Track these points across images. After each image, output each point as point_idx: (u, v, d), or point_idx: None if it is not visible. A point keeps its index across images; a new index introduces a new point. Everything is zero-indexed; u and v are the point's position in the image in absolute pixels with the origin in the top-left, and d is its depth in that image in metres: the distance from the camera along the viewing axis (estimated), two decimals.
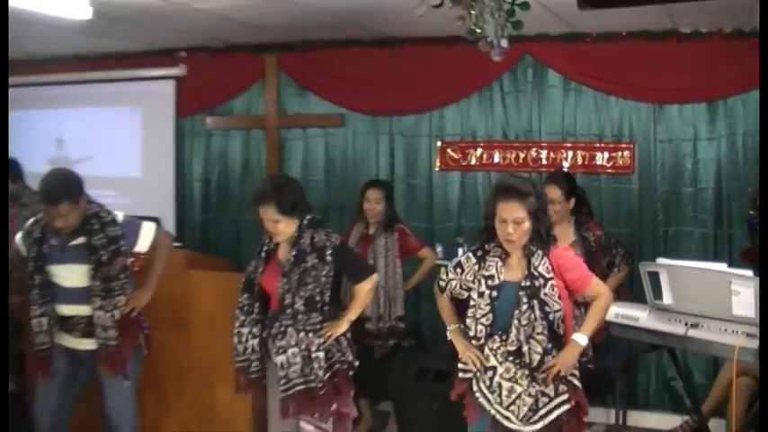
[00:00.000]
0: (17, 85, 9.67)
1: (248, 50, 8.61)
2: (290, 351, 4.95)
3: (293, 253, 4.99)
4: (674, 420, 6.93)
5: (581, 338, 4.51)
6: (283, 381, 4.99)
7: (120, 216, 5.44)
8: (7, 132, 8.44)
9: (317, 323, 4.97)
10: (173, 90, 9.12)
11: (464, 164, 7.99)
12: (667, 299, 5.57)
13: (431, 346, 7.61)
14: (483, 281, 4.58)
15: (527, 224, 4.44)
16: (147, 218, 6.77)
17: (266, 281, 5.12)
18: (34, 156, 9.42)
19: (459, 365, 4.72)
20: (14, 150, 9.72)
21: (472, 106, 7.97)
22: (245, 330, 5.15)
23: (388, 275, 6.82)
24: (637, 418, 7.27)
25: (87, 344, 5.41)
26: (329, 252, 4.99)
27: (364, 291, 5.20)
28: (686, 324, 5.39)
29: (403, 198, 8.16)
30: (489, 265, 4.59)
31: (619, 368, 6.97)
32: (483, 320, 4.55)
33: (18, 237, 5.50)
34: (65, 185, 5.20)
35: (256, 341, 5.13)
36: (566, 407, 4.50)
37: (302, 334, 4.94)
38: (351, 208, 8.12)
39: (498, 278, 4.54)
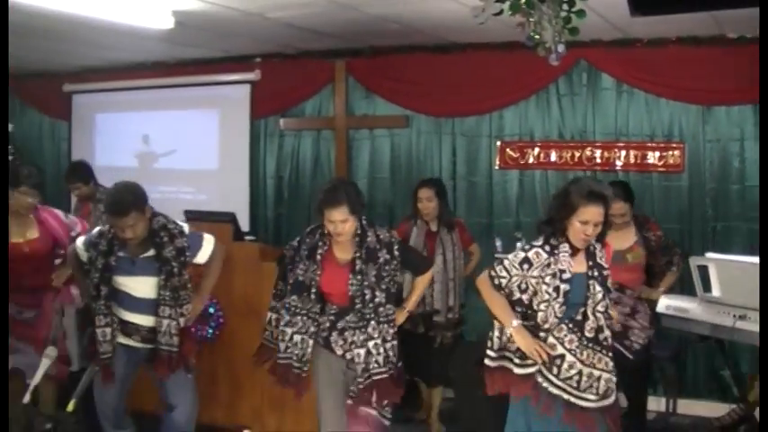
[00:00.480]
0: (105, 90, 10.26)
1: (318, 56, 8.93)
2: (370, 343, 4.99)
3: (363, 251, 5.02)
4: (722, 409, 7.05)
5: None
6: (363, 372, 5.00)
7: (185, 228, 5.57)
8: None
9: (391, 314, 5.08)
10: (248, 94, 9.49)
11: (522, 162, 8.20)
12: (716, 291, 5.75)
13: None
14: (557, 274, 4.68)
15: (601, 225, 4.68)
16: (223, 213, 7.21)
17: (328, 282, 5.10)
18: (124, 152, 9.93)
19: (516, 361, 4.78)
20: (105, 147, 10.30)
21: (530, 108, 8.19)
22: (289, 330, 5.15)
23: (456, 269, 6.97)
24: (686, 406, 7.37)
25: (145, 346, 5.53)
26: (396, 247, 5.09)
27: (423, 283, 5.43)
28: (734, 316, 5.58)
29: (464, 195, 8.45)
30: (562, 260, 4.69)
31: (669, 358, 7.09)
32: (558, 312, 4.67)
33: (80, 241, 5.64)
34: (131, 197, 5.26)
35: (304, 338, 5.13)
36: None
37: (382, 326, 5.02)
38: (413, 205, 8.47)
39: (569, 271, 4.67)
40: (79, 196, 8.06)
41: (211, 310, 6.72)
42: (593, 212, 4.62)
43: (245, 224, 8.64)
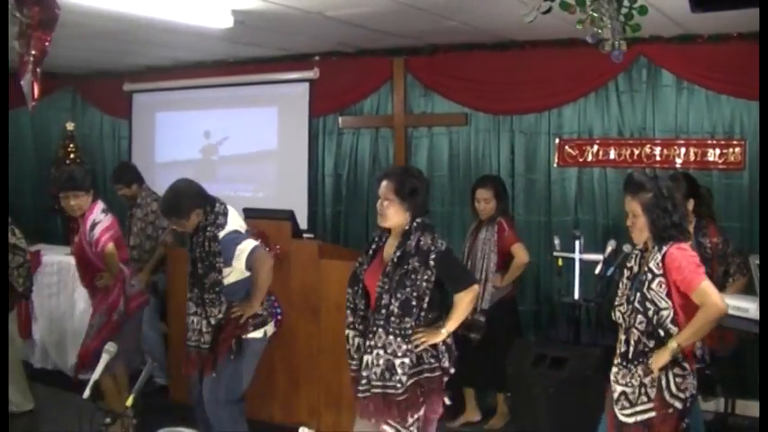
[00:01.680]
0: (165, 89, 10.46)
1: (377, 54, 9.10)
2: (374, 352, 4.77)
3: (398, 253, 4.80)
4: None
5: (671, 344, 4.38)
6: (364, 381, 4.80)
7: (223, 232, 5.67)
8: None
9: (407, 328, 4.74)
10: (307, 92, 9.68)
11: (581, 160, 8.25)
12: None
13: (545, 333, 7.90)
14: (626, 272, 4.75)
15: (642, 219, 4.54)
16: (281, 211, 7.37)
17: (369, 278, 4.97)
18: (183, 150, 10.09)
19: None
20: (165, 146, 10.50)
21: (589, 105, 8.24)
22: (350, 333, 5.02)
23: (483, 269, 6.96)
24: (744, 407, 7.31)
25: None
26: (433, 257, 4.77)
27: (465, 301, 4.93)
28: None
29: (523, 193, 8.54)
30: (631, 258, 4.76)
31: (728, 358, 6.94)
32: (620, 308, 4.67)
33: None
34: (172, 203, 5.67)
35: (360, 340, 4.97)
36: (650, 414, 4.46)
37: (390, 337, 4.73)
38: (472, 203, 8.53)
39: (632, 272, 4.69)
40: (123, 198, 8.24)
41: None
42: (626, 202, 4.65)
43: (303, 222, 8.78)
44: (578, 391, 6.14)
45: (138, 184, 8.21)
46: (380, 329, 4.76)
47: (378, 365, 4.75)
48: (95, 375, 4.61)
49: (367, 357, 4.80)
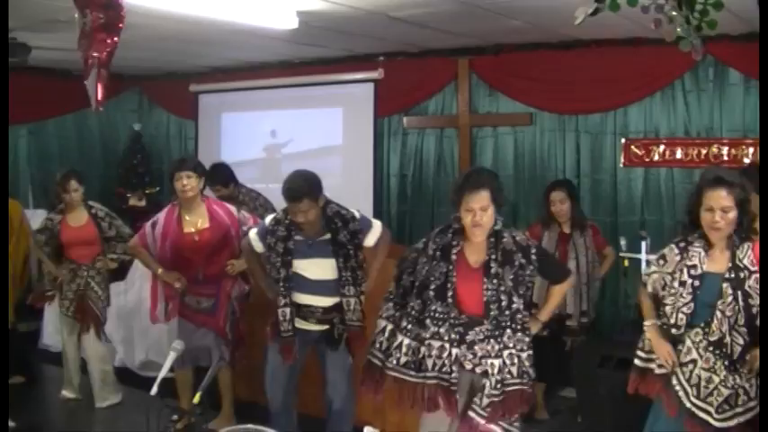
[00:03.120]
0: (231, 89, 10.66)
1: (442, 54, 9.23)
2: (505, 353, 4.75)
3: (498, 254, 4.76)
4: None
5: None
6: (497, 385, 4.74)
7: (356, 213, 5.95)
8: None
9: (527, 322, 4.85)
10: (371, 92, 9.82)
11: (647, 160, 8.27)
12: None
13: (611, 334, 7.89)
14: (685, 270, 4.62)
15: (733, 213, 4.48)
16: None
17: (461, 285, 4.82)
18: (249, 150, 10.33)
19: (657, 362, 4.76)
20: (231, 146, 10.69)
21: (655, 104, 8.27)
22: (436, 344, 4.81)
23: (589, 273, 7.05)
24: None
25: (317, 327, 5.94)
26: (533, 251, 4.82)
27: (560, 293, 5.18)
28: None
29: (588, 193, 8.60)
30: (692, 255, 4.62)
31: None
32: (684, 309, 4.61)
33: (253, 232, 6.03)
34: (306, 184, 5.64)
35: (444, 346, 4.80)
36: (754, 412, 4.43)
37: (518, 334, 4.77)
38: (539, 203, 8.55)
39: (701, 268, 4.57)
40: (220, 198, 8.38)
41: None
42: (716, 197, 4.51)
43: None
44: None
45: (233, 183, 8.41)
46: (509, 330, 4.75)
47: (514, 364, 4.76)
48: (162, 372, 4.71)
49: (494, 361, 4.73)
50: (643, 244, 7.19)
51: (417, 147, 9.72)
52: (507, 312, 4.74)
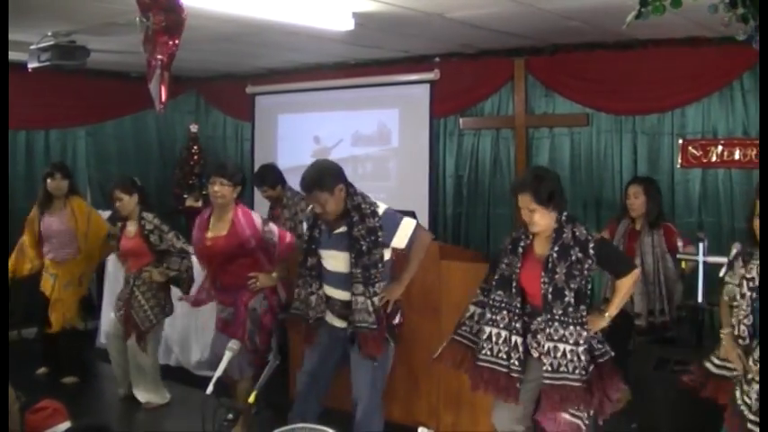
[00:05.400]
0: (287, 91, 10.81)
1: (498, 55, 9.29)
2: (560, 346, 4.94)
3: (556, 248, 4.98)
4: None
5: None
6: (550, 372, 4.96)
7: (381, 208, 5.75)
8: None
9: (583, 316, 4.97)
10: (427, 93, 9.91)
11: (705, 161, 8.23)
12: None
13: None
14: (745, 283, 4.65)
15: None
16: (402, 212, 7.49)
17: (525, 276, 5.12)
18: (305, 152, 10.54)
19: (729, 365, 4.86)
20: (287, 148, 10.83)
21: (713, 105, 8.22)
22: (493, 330, 5.17)
23: (656, 272, 7.10)
24: None
25: (341, 323, 5.87)
26: (592, 245, 4.97)
27: (626, 286, 5.18)
28: None
29: None
30: (751, 268, 4.64)
31: None
32: (745, 321, 4.64)
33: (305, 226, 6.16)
34: (317, 176, 5.63)
35: (519, 339, 5.12)
36: None
37: (571, 327, 4.93)
38: (595, 203, 8.67)
39: (758, 281, 4.59)
40: (268, 199, 8.50)
41: None
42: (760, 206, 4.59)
43: (424, 223, 8.98)
44: (701, 396, 6.15)
45: (281, 185, 8.51)
46: (557, 323, 4.95)
47: (566, 357, 4.93)
48: (218, 371, 4.78)
49: (549, 353, 4.97)
50: (701, 245, 7.08)
51: (473, 148, 9.77)
52: (560, 305, 4.94)
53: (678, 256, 7.28)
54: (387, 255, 5.80)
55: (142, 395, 7.76)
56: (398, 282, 5.85)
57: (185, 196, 11.43)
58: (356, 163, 10.50)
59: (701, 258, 7.06)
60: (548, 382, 4.98)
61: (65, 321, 8.30)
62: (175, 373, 8.39)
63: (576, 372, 4.91)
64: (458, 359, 5.42)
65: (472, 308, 5.42)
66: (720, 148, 8.13)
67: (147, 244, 7.54)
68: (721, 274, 5.07)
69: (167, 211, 11.48)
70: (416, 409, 7.14)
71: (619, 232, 7.32)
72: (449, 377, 6.80)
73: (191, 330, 8.81)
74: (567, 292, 4.93)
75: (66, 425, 4.72)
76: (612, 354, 5.13)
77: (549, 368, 4.97)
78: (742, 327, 4.67)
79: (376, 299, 5.69)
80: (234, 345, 4.91)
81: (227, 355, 4.86)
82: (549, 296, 4.96)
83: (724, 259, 6.63)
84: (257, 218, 6.75)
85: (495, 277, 5.25)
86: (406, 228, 5.77)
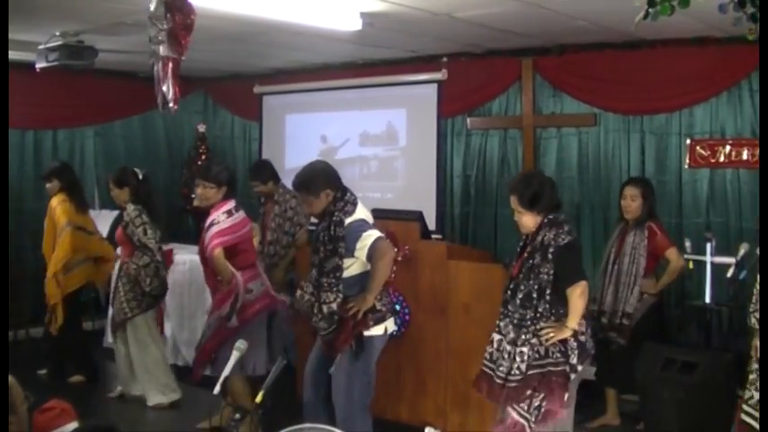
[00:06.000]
0: (295, 91, 10.82)
1: (506, 55, 9.30)
2: (504, 343, 5.19)
3: (528, 250, 5.19)
4: None
5: None
6: (487, 361, 5.32)
7: (349, 219, 5.76)
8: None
9: (528, 320, 5.08)
10: (435, 93, 9.91)
11: (713, 161, 8.20)
12: None
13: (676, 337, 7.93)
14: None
15: None
16: (409, 211, 7.56)
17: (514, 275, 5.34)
18: (313, 152, 10.48)
19: None
20: (295, 147, 10.92)
21: (721, 105, 8.18)
22: (495, 336, 5.33)
23: (630, 273, 6.98)
24: None
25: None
26: (551, 251, 5.07)
27: (573, 297, 5.13)
28: None
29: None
30: None
31: None
32: (755, 315, 4.72)
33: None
34: (307, 178, 5.83)
35: (498, 335, 5.33)
36: None
37: (511, 327, 5.17)
38: (603, 204, 8.62)
39: None
40: (259, 194, 8.56)
41: (397, 306, 6.96)
42: None
43: (431, 223, 9.00)
44: (709, 397, 6.19)
45: (273, 182, 8.57)
46: (506, 319, 5.21)
47: (503, 356, 5.18)
48: (226, 372, 4.76)
49: (495, 336, 5.28)
50: (708, 246, 7.13)
51: (481, 147, 9.77)
52: (514, 305, 5.18)
53: (686, 256, 7.22)
54: (354, 269, 5.82)
55: (148, 395, 7.78)
56: (366, 292, 5.79)
57: (193, 196, 11.43)
58: (363, 163, 10.57)
59: (708, 258, 7.08)
60: (485, 369, 5.34)
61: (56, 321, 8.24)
62: (184, 372, 8.41)
63: (512, 371, 5.11)
64: (484, 388, 5.40)
65: (494, 335, 5.41)
66: (728, 148, 8.09)
67: (124, 235, 7.60)
68: (740, 276, 5.00)
69: (176, 210, 11.55)
70: (424, 408, 7.16)
71: (613, 234, 7.33)
72: (457, 377, 6.88)
73: (198, 331, 8.72)
74: (519, 294, 5.13)
75: (74, 425, 4.73)
76: (578, 368, 5.15)
77: (488, 357, 5.31)
78: (752, 319, 4.74)
79: (325, 307, 5.79)
80: (241, 345, 4.91)
81: (235, 355, 4.86)
82: (508, 293, 5.22)
83: (732, 260, 6.72)
84: (214, 222, 6.68)
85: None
86: (366, 239, 5.74)
